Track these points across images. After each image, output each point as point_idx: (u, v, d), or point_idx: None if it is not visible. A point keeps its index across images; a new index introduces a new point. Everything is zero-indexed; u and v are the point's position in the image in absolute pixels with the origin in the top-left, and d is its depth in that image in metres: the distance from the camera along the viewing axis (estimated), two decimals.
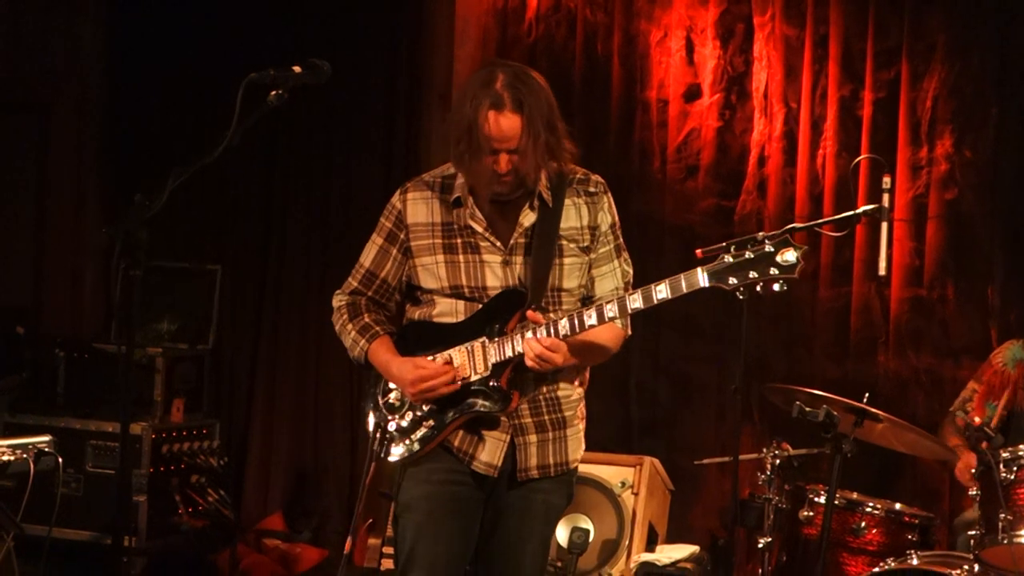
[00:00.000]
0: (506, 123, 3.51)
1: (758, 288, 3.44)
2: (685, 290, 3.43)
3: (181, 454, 6.54)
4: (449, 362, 3.65)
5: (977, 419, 4.49)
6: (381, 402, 3.73)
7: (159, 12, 7.21)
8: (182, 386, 6.75)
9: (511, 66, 3.65)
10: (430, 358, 3.66)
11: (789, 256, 3.36)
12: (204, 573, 6.43)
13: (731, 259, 3.41)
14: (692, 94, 6.31)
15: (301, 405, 7.05)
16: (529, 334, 3.53)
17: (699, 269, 3.43)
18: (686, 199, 6.27)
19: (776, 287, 3.41)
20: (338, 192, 7.00)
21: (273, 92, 3.42)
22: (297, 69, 3.46)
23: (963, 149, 5.81)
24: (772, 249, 3.37)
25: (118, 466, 6.15)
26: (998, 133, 5.79)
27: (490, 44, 6.59)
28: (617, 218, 3.78)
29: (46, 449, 4.25)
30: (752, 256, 3.39)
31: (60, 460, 4.26)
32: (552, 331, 3.51)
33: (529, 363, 3.51)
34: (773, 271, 3.37)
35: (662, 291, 3.45)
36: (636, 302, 3.48)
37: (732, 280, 3.40)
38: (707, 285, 3.42)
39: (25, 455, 4.18)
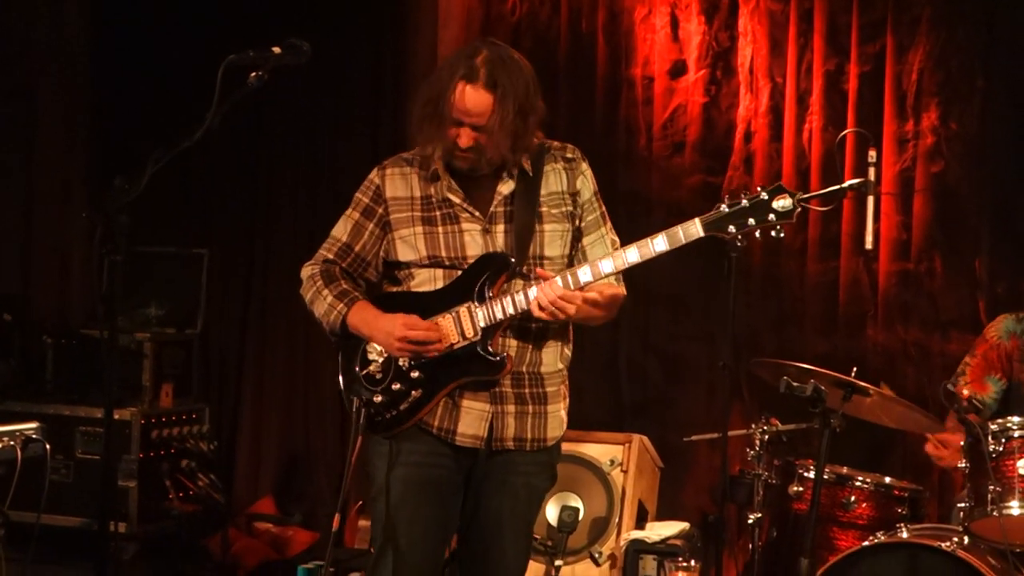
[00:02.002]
0: (476, 97, 3.52)
1: (756, 234, 3.50)
2: (683, 240, 3.50)
3: (171, 439, 6.52)
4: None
5: (966, 391, 4.48)
6: (361, 375, 3.66)
7: None
8: (171, 371, 6.74)
9: (498, 46, 3.65)
10: None
11: (784, 203, 3.46)
12: (195, 557, 6.41)
13: (727, 208, 3.48)
14: (677, 70, 6.29)
15: (291, 388, 7.03)
16: (532, 291, 3.51)
17: (696, 219, 3.49)
18: (673, 176, 6.26)
19: (773, 233, 3.47)
20: (324, 175, 6.97)
21: (253, 73, 3.41)
22: (277, 50, 3.46)
23: (949, 122, 5.80)
24: (767, 197, 3.46)
25: (103, 451, 6.13)
26: (984, 105, 5.77)
27: (474, 24, 6.55)
28: (596, 187, 3.78)
29: (33, 436, 4.23)
30: (748, 204, 3.47)
31: (48, 447, 4.24)
32: (571, 281, 3.51)
33: (537, 312, 3.48)
34: (771, 217, 3.46)
35: (660, 243, 3.50)
36: (634, 256, 3.51)
37: (731, 228, 3.48)
38: (703, 235, 3.49)
39: (12, 442, 4.16)
